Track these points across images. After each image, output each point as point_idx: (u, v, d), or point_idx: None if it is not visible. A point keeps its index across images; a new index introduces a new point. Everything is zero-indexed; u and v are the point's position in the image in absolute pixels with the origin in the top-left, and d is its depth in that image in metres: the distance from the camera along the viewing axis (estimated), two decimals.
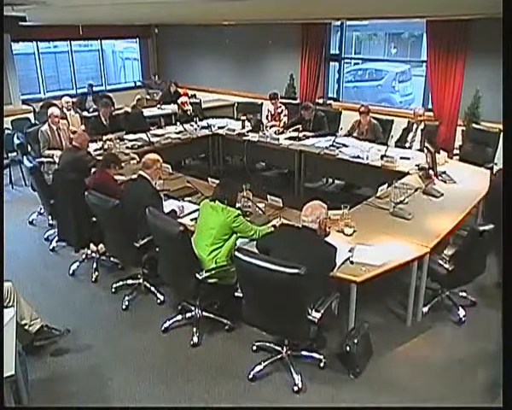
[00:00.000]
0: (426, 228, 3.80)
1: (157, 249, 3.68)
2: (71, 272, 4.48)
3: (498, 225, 2.58)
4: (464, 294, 3.98)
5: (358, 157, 5.54)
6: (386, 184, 4.56)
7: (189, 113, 7.40)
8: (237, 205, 3.74)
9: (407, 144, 6.08)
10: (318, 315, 2.85)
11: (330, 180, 6.91)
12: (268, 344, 3.39)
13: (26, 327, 3.25)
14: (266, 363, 3.22)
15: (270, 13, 4.72)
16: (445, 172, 4.91)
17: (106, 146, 5.87)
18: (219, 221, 3.40)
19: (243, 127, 6.86)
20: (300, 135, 6.39)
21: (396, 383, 3.17)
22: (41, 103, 8.06)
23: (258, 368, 3.19)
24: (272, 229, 3.59)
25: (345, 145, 5.94)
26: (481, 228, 3.39)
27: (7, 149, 6.77)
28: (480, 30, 6.08)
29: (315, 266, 2.78)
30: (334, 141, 6.01)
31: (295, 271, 2.61)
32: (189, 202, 4.35)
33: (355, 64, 10.98)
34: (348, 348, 3.16)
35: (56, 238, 4.80)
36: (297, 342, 3.27)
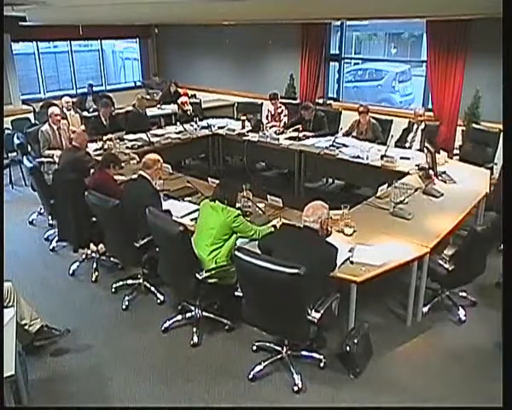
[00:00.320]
0: (426, 228, 3.80)
1: (157, 249, 3.68)
2: (71, 272, 4.48)
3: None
4: (464, 294, 3.98)
5: (358, 157, 5.54)
6: (386, 184, 4.56)
7: (189, 113, 7.40)
8: (237, 205, 3.74)
9: (407, 144, 6.08)
10: (318, 315, 2.85)
11: (330, 180, 6.91)
12: (268, 344, 3.39)
13: (26, 327, 3.25)
14: (266, 363, 3.22)
15: (270, 13, 4.72)
16: (445, 172, 4.91)
17: (106, 146, 5.88)
18: (219, 221, 3.40)
19: (243, 127, 6.86)
20: (300, 135, 6.39)
21: (396, 383, 3.17)
22: (41, 103, 8.07)
23: (258, 368, 3.19)
24: (272, 229, 3.59)
25: (345, 145, 5.94)
26: (481, 228, 3.39)
27: (7, 149, 6.77)
28: (480, 30, 6.08)
29: (316, 266, 2.78)
30: (334, 141, 6.01)
31: (295, 271, 2.61)
32: (189, 202, 4.35)
33: (355, 64, 10.98)
34: (348, 348, 3.16)
35: (56, 238, 4.80)
36: (297, 342, 3.27)
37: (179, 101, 7.60)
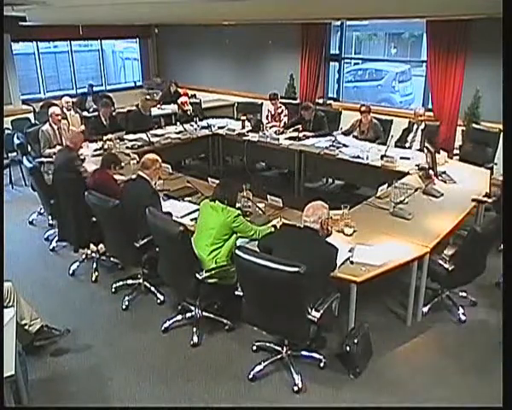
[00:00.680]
0: (426, 228, 3.80)
1: (157, 249, 3.68)
2: (71, 272, 4.48)
3: None
4: (464, 294, 3.98)
5: (358, 157, 5.54)
6: (386, 184, 4.56)
7: (189, 113, 7.39)
8: (237, 205, 3.74)
9: (407, 144, 6.08)
10: (318, 315, 2.85)
11: (330, 180, 6.91)
12: (268, 344, 3.39)
13: (26, 327, 3.25)
14: (266, 363, 3.22)
15: (270, 13, 4.72)
16: (445, 172, 4.91)
17: (106, 146, 5.88)
18: (219, 221, 3.40)
19: (243, 127, 6.86)
20: (300, 135, 6.39)
21: (396, 383, 3.17)
22: (41, 103, 8.07)
23: (258, 368, 3.19)
24: (272, 229, 3.59)
25: (345, 145, 5.94)
26: (481, 228, 3.39)
27: (7, 149, 6.77)
28: (480, 30, 6.08)
29: (316, 267, 2.78)
30: (334, 141, 6.01)
31: (295, 269, 2.61)
32: (189, 202, 4.35)
33: (355, 64, 10.98)
34: (348, 348, 3.16)
35: (56, 238, 4.80)
36: (297, 341, 3.27)
37: (179, 101, 7.60)
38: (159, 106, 8.31)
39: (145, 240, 3.73)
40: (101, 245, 4.42)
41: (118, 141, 6.12)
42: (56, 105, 6.74)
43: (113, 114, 7.04)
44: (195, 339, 3.52)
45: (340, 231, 3.67)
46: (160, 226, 3.40)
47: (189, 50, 9.91)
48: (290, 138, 6.39)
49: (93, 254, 4.55)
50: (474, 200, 4.29)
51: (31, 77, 9.36)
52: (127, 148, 5.94)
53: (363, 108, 6.24)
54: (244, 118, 7.01)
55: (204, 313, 3.69)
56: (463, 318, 3.75)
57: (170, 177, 5.01)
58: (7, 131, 6.94)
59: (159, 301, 4.02)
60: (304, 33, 8.00)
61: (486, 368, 3.24)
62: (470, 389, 3.09)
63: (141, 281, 4.17)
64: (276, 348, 3.32)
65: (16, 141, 5.98)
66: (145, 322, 3.81)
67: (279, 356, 3.27)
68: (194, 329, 3.57)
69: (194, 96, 9.16)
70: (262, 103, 8.18)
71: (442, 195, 4.45)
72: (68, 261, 4.58)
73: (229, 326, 3.64)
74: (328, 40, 8.21)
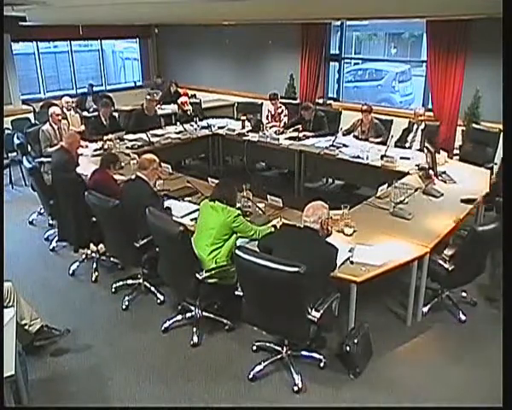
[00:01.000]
0: (426, 228, 3.80)
1: (157, 249, 3.67)
2: (71, 272, 4.48)
3: None
4: (464, 294, 3.98)
5: (358, 157, 5.54)
6: (386, 184, 4.56)
7: (189, 113, 7.40)
8: (237, 205, 3.74)
9: (407, 144, 6.08)
10: (318, 315, 2.85)
11: (330, 180, 6.92)
12: (268, 344, 3.39)
13: (26, 327, 3.25)
14: (266, 363, 3.22)
15: (270, 13, 4.72)
16: (445, 172, 4.91)
17: (106, 146, 5.88)
18: (219, 221, 3.40)
19: (243, 127, 6.86)
20: (300, 135, 6.40)
21: (396, 383, 3.16)
22: (41, 103, 8.08)
23: (258, 368, 3.19)
24: (272, 229, 3.59)
25: (345, 145, 5.95)
26: (481, 228, 3.39)
27: (7, 149, 6.77)
28: (480, 30, 6.08)
29: (316, 267, 2.78)
30: (334, 141, 6.01)
31: (295, 269, 2.61)
32: (189, 202, 4.35)
33: (355, 64, 10.98)
34: (348, 348, 3.16)
35: (56, 238, 4.80)
36: (297, 341, 3.27)
37: (179, 101, 7.61)
38: (159, 106, 8.31)
39: (145, 240, 3.73)
40: (101, 245, 4.42)
41: (118, 141, 6.12)
42: (56, 105, 6.75)
43: (114, 113, 7.02)
44: (195, 339, 3.52)
45: (340, 231, 3.67)
46: (160, 226, 3.39)
47: (189, 50, 9.91)
48: (290, 138, 6.39)
49: (93, 255, 4.55)
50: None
51: (31, 77, 9.36)
52: (127, 148, 5.95)
53: (364, 108, 6.25)
54: (244, 118, 7.02)
55: (204, 313, 3.69)
56: (463, 318, 3.75)
57: (170, 177, 5.00)
58: (7, 131, 6.95)
59: (159, 301, 4.02)
60: (304, 33, 8.00)
61: (486, 368, 3.24)
62: (470, 389, 3.09)
63: (141, 281, 4.17)
64: (276, 348, 3.32)
65: (16, 141, 5.99)
66: (145, 322, 3.81)
67: (279, 356, 3.27)
68: (194, 329, 3.57)
69: (194, 96, 9.15)
70: (262, 103, 8.19)
71: (442, 195, 4.45)
72: (68, 261, 4.58)
73: (229, 326, 3.64)
74: (328, 40, 8.20)
